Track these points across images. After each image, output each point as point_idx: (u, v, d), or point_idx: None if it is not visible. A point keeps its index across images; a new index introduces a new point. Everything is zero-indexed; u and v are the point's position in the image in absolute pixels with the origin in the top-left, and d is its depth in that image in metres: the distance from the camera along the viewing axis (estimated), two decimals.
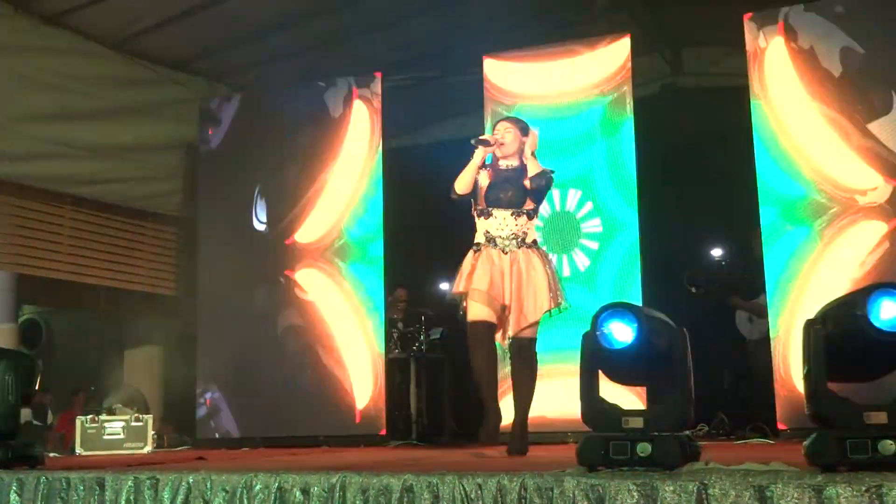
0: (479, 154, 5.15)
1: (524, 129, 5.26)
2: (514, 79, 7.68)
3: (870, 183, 6.38)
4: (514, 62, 7.72)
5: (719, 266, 8.81)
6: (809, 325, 3.10)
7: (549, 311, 5.02)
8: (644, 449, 3.09)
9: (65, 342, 12.88)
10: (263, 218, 8.18)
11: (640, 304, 6.90)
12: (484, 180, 5.16)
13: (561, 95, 7.52)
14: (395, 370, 8.12)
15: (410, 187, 8.50)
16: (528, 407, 5.09)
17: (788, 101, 6.65)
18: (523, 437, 5.02)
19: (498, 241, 5.06)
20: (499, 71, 7.74)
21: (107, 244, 8.68)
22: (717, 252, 9.08)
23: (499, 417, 5.08)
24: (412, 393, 8.08)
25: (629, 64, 7.40)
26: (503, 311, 5.03)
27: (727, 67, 8.39)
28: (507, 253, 5.04)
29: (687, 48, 8.93)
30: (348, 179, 7.94)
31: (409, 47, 8.71)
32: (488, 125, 7.52)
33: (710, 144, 8.43)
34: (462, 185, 5.15)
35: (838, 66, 6.50)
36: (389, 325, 8.03)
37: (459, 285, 5.10)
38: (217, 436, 8.02)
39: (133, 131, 8.52)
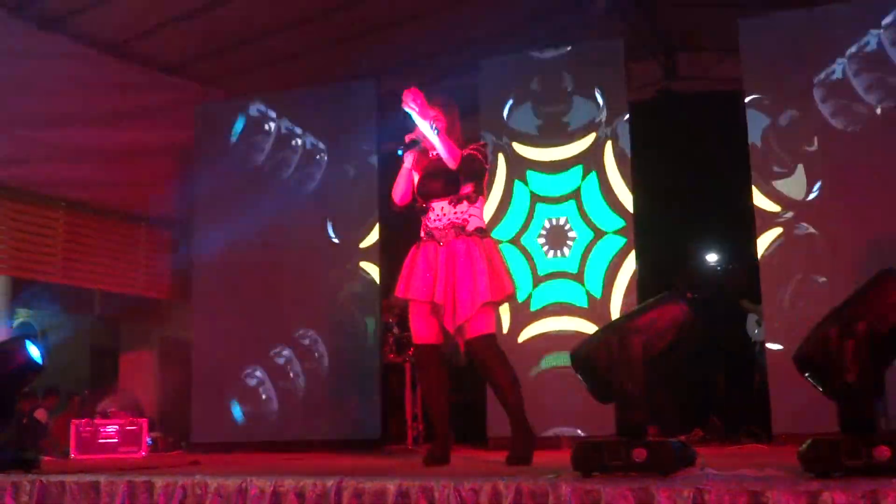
0: (410, 158, 4.87)
1: (449, 109, 4.89)
2: (509, 84, 7.69)
3: None
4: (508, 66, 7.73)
5: (714, 271, 8.83)
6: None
7: (492, 302, 4.62)
8: (639, 454, 3.09)
9: (59, 346, 12.87)
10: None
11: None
12: (416, 176, 4.89)
13: (555, 100, 7.53)
14: (391, 374, 8.12)
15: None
16: (517, 406, 4.61)
17: None
18: (526, 443, 4.55)
19: (435, 233, 4.75)
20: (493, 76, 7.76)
21: (101, 248, 8.67)
22: (712, 257, 9.10)
23: (448, 441, 4.74)
24: (407, 397, 8.06)
25: (623, 69, 7.42)
26: (440, 310, 4.65)
27: (722, 72, 8.40)
28: (443, 245, 4.70)
29: (682, 53, 8.94)
30: None
31: (403, 52, 8.70)
32: (485, 132, 7.54)
33: (705, 149, 8.45)
34: (398, 193, 4.91)
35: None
36: (385, 329, 8.02)
37: (400, 288, 4.78)
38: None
39: (128, 135, 8.51)
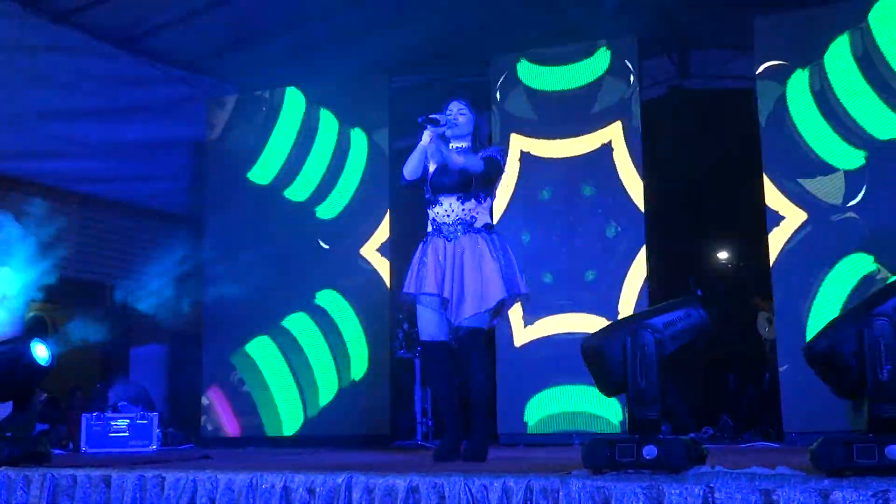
0: (427, 135, 4.76)
1: (479, 113, 5.00)
2: (522, 78, 7.69)
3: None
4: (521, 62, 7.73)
5: (726, 268, 8.82)
6: None
7: (504, 300, 4.72)
8: (650, 452, 3.09)
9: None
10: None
11: (646, 307, 6.91)
12: (432, 166, 4.87)
13: (568, 96, 7.52)
14: (401, 370, 8.12)
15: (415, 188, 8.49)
16: (483, 406, 4.76)
17: None
18: (484, 439, 4.69)
19: (444, 228, 4.79)
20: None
21: (113, 241, 8.69)
22: (723, 254, 9.09)
23: (458, 437, 4.74)
24: (417, 393, 8.07)
25: (636, 65, 7.40)
26: (446, 305, 4.70)
27: (735, 70, 8.38)
28: (451, 241, 4.75)
29: (695, 50, 8.92)
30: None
31: (416, 48, 8.70)
32: (496, 131, 7.54)
33: (717, 146, 8.44)
34: (409, 168, 4.82)
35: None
36: (395, 325, 8.02)
37: (409, 285, 4.82)
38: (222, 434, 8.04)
39: (141, 129, 8.54)
